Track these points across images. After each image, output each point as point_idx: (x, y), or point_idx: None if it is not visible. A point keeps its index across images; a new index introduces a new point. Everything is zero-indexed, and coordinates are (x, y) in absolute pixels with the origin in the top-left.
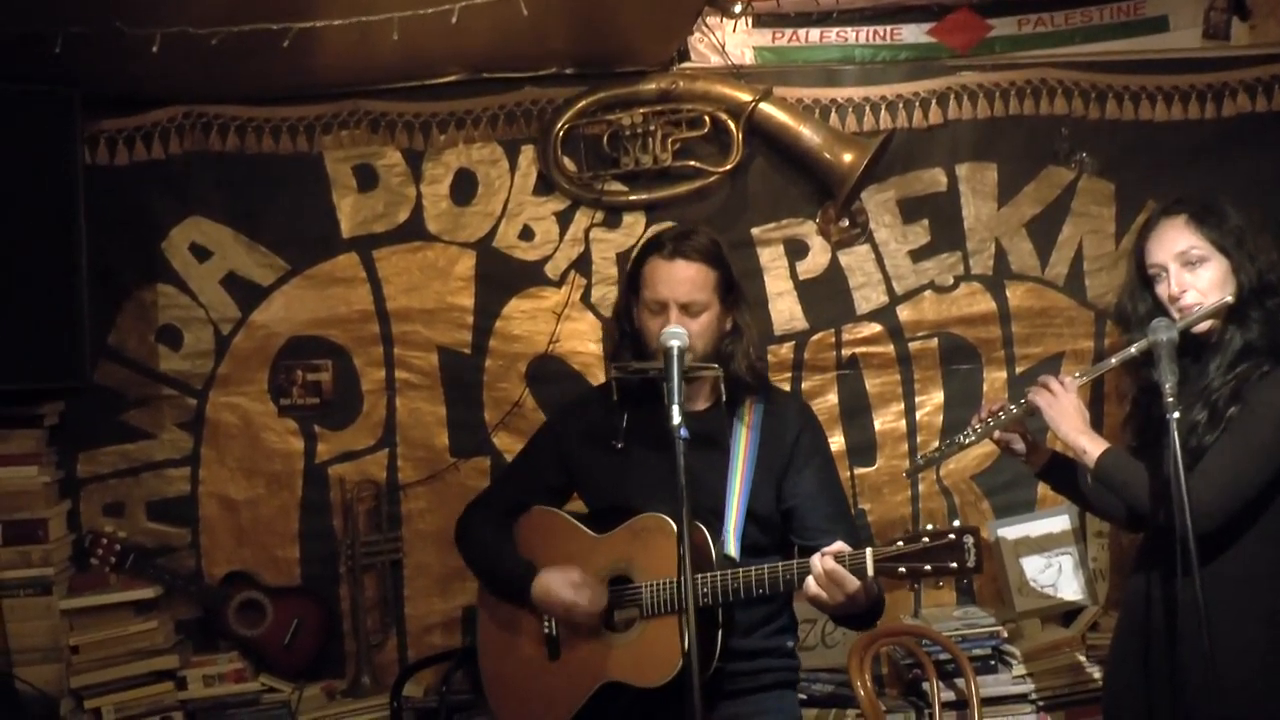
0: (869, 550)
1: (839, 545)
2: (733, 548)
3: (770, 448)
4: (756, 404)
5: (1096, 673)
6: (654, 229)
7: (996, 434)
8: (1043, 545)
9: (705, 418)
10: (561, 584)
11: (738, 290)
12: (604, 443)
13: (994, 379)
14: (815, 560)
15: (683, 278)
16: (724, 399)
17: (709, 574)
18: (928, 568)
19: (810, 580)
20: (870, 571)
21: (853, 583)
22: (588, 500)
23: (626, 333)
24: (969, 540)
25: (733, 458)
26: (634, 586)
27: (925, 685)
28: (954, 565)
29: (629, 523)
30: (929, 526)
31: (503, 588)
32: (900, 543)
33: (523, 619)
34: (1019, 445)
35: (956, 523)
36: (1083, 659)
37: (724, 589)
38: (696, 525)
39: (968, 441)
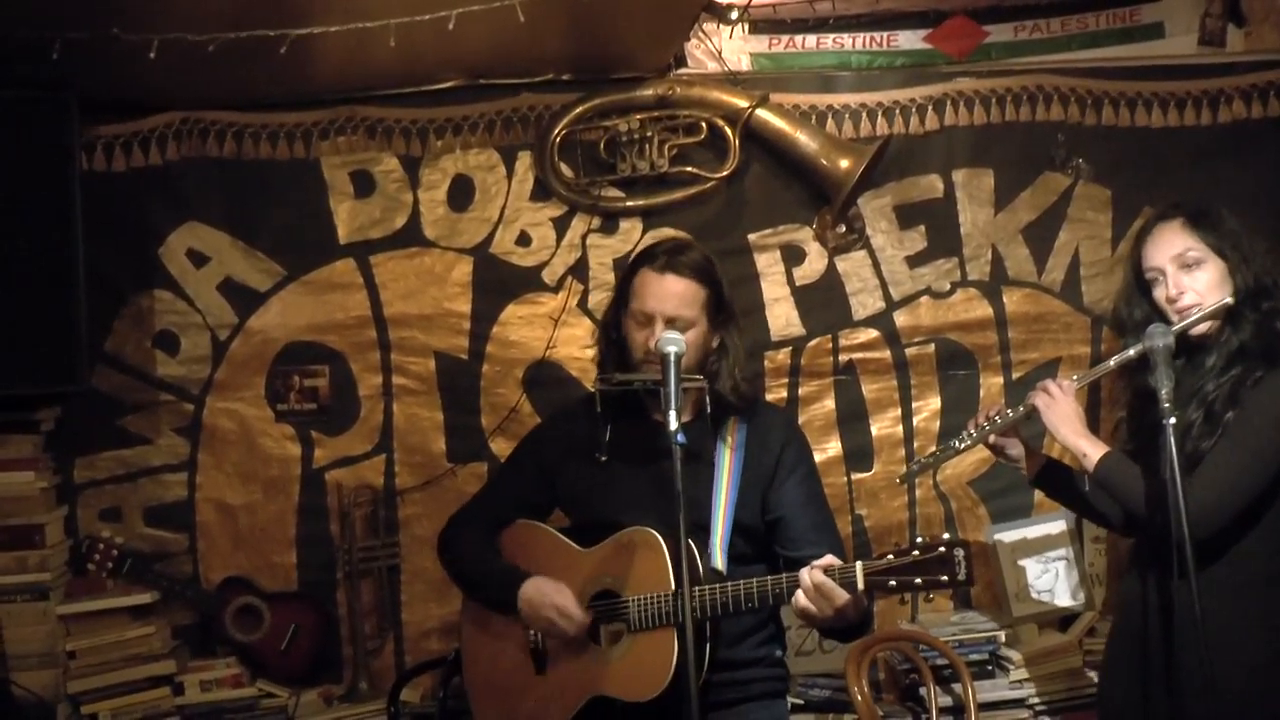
0: (859, 563)
1: (829, 559)
2: (720, 561)
3: (755, 461)
4: (740, 423)
5: (1094, 677)
6: (650, 240)
7: (992, 438)
8: (1040, 550)
9: (689, 431)
10: (553, 589)
11: (728, 309)
12: (587, 456)
13: (991, 384)
14: (804, 574)
15: (672, 292)
16: (708, 413)
17: (699, 588)
18: (918, 580)
19: (800, 593)
20: (860, 585)
21: (842, 596)
22: (570, 513)
23: (613, 342)
24: (959, 553)
25: (718, 471)
26: (621, 601)
27: (922, 690)
28: (944, 578)
29: (615, 537)
30: (919, 539)
31: (490, 594)
32: (891, 555)
33: (508, 631)
34: (1014, 450)
35: (947, 535)
36: (1080, 664)
37: (714, 604)
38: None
39: (963, 446)
